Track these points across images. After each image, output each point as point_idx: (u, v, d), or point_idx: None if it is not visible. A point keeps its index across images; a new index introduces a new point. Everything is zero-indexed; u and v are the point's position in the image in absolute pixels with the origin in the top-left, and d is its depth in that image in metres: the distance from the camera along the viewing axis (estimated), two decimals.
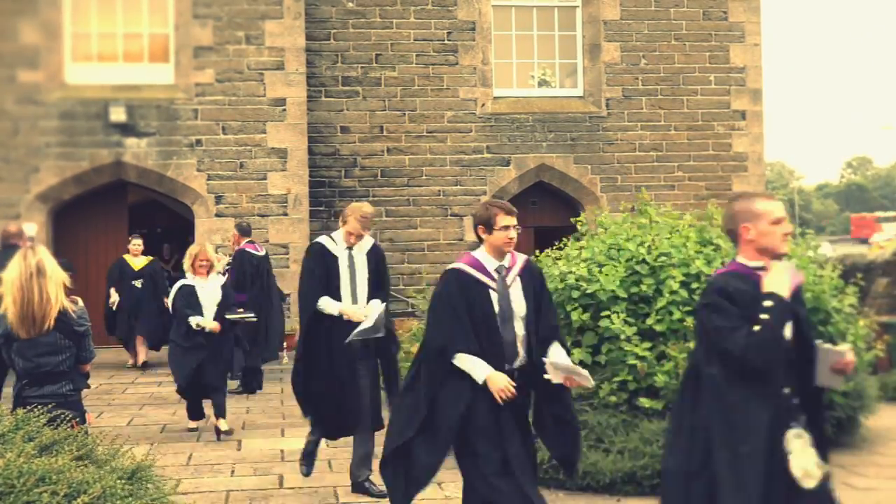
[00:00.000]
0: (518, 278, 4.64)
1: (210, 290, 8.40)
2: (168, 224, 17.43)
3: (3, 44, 13.94)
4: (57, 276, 4.76)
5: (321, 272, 6.05)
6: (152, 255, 13.27)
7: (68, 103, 14.09)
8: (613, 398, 6.92)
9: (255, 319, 9.48)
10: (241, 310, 9.07)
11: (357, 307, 6.06)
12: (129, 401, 10.00)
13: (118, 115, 13.99)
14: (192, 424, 8.54)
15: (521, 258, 4.74)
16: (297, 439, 7.87)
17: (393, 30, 16.03)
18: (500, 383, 4.41)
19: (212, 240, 14.27)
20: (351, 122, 15.93)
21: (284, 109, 14.56)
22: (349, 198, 15.90)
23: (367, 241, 6.20)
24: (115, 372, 11.48)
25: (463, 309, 4.50)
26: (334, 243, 6.15)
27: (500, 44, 16.63)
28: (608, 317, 7.14)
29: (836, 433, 7.64)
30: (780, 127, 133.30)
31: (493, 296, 4.56)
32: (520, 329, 4.57)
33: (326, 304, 6.04)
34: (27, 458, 3.37)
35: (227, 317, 8.45)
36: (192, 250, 8.58)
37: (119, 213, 15.22)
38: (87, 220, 14.90)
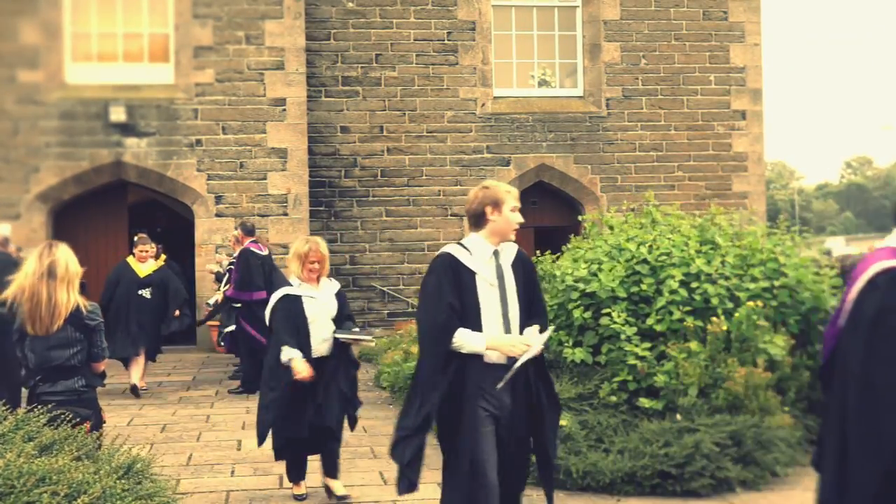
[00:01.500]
0: None
1: (323, 301, 6.13)
2: (168, 224, 17.43)
3: (3, 44, 13.96)
4: (71, 277, 4.77)
5: (453, 295, 4.18)
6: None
7: (68, 103, 14.10)
8: (613, 398, 6.93)
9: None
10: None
11: (513, 337, 4.20)
12: (129, 401, 10.00)
13: (118, 114, 14.01)
14: (297, 490, 6.24)
15: None
16: None
17: (393, 30, 16.04)
18: None
19: (212, 240, 14.30)
20: (351, 122, 15.94)
21: (284, 109, 14.56)
22: (349, 198, 15.92)
23: (510, 248, 4.42)
24: (115, 371, 11.46)
25: None
26: (468, 253, 4.29)
27: (500, 44, 16.64)
28: (609, 315, 7.15)
29: None
30: (780, 127, 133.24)
31: None
32: None
33: (466, 340, 4.13)
34: (27, 458, 3.37)
35: (337, 336, 6.10)
36: (299, 248, 6.19)
37: (119, 213, 15.23)
38: (87, 219, 14.92)
